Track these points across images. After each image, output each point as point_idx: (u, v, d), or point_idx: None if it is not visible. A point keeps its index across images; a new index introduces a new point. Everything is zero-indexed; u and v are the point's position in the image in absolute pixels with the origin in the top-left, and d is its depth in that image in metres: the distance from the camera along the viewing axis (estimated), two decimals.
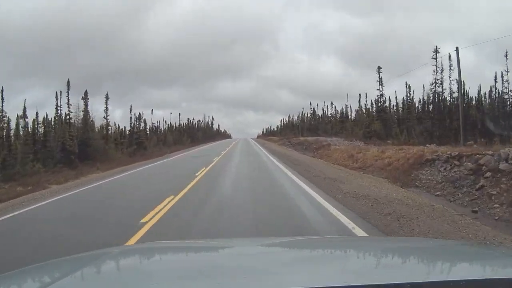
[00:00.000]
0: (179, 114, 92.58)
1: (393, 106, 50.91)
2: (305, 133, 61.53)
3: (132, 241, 5.33)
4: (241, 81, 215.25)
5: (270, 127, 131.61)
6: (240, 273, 1.50)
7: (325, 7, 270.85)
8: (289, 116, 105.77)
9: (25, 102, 32.59)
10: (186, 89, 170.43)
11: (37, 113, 33.87)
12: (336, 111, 72.00)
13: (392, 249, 2.00)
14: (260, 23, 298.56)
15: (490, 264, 1.56)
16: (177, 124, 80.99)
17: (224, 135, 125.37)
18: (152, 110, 68.17)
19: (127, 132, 48.83)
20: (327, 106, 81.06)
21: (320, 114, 78.28)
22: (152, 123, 65.52)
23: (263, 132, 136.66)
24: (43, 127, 33.28)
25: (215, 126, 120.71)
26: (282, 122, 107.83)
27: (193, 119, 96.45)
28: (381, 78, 47.54)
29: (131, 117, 49.40)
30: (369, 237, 5.03)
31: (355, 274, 1.46)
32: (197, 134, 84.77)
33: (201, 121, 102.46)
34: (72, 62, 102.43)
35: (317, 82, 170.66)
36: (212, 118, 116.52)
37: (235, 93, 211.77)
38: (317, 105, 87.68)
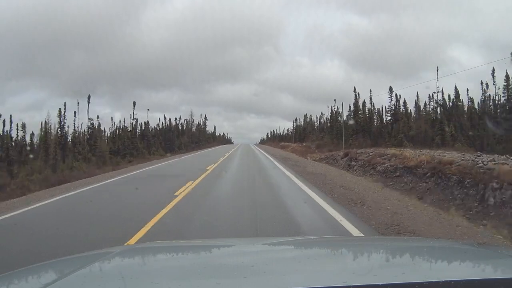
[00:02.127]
0: (134, 103, 53.90)
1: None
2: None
3: None
4: (241, 84, 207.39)
5: (275, 131, 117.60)
6: (240, 273, 1.50)
7: (326, 7, 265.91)
8: (305, 116, 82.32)
9: None
10: (185, 92, 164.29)
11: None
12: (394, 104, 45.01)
13: (392, 249, 2.01)
14: (261, 24, 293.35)
15: (490, 264, 1.57)
16: (148, 125, 58.32)
17: (224, 140, 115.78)
18: (78, 101, 43.42)
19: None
20: (370, 98, 49.61)
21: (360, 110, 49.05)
22: (91, 122, 42.90)
23: (267, 136, 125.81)
24: None
25: (210, 129, 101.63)
26: (297, 123, 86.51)
27: (180, 118, 75.85)
28: None
29: None
30: (369, 237, 5.02)
31: (355, 274, 1.46)
32: (180, 139, 64.45)
33: (189, 121, 79.18)
34: (66, 62, 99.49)
35: (321, 85, 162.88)
36: (205, 118, 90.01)
37: (235, 97, 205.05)
38: (358, 94, 49.85)
